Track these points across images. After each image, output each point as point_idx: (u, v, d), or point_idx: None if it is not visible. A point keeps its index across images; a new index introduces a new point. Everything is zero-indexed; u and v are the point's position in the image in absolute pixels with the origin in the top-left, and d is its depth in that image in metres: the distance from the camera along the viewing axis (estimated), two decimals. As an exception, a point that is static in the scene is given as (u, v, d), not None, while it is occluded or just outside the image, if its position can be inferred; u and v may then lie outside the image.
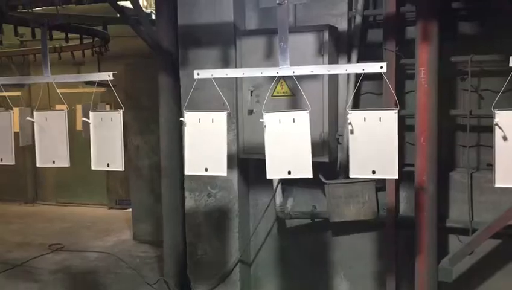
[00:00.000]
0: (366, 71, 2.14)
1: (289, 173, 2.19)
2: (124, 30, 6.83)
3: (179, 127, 4.08)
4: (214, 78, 2.36)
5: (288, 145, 2.15)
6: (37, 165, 2.78)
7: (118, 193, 8.12)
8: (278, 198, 3.81)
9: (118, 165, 2.50)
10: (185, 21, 3.86)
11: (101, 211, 8.07)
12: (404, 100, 3.55)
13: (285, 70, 2.24)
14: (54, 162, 2.70)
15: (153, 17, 5.80)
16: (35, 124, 2.72)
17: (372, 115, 2.05)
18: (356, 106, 3.63)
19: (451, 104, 3.47)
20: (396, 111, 2.04)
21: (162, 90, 4.27)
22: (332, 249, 3.87)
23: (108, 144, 2.41)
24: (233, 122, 3.76)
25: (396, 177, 2.05)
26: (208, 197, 3.92)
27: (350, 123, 2.07)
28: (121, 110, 2.45)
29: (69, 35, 6.05)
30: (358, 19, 3.57)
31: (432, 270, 3.27)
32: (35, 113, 2.74)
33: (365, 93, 3.66)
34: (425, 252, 3.27)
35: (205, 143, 2.24)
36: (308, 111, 2.13)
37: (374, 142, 2.04)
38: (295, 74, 2.23)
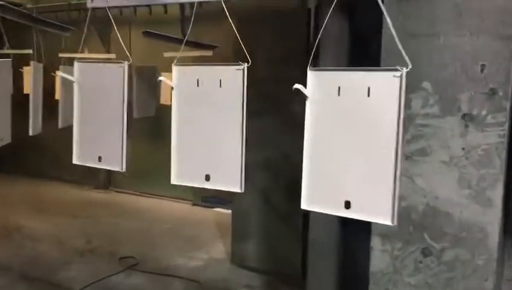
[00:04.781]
0: None
1: None
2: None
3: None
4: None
5: None
6: None
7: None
8: None
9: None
10: None
11: (183, 207, 6.44)
12: None
13: None
14: None
15: None
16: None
17: None
18: None
19: None
20: None
21: (327, 42, 2.39)
22: None
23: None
24: (503, 112, 1.78)
25: None
26: (423, 255, 1.98)
27: None
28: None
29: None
30: None
31: None
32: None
33: None
34: None
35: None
36: None
37: None
38: None
